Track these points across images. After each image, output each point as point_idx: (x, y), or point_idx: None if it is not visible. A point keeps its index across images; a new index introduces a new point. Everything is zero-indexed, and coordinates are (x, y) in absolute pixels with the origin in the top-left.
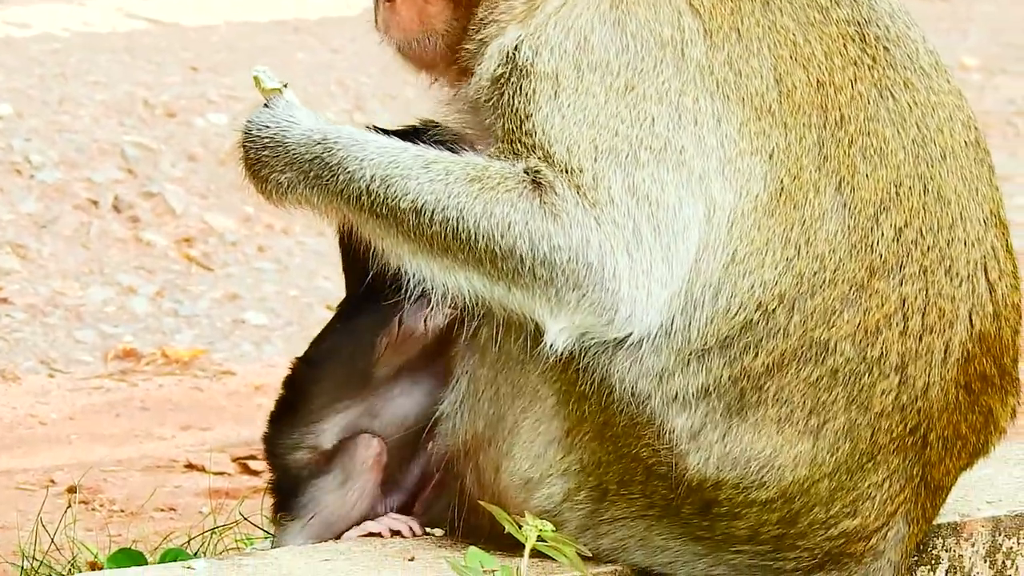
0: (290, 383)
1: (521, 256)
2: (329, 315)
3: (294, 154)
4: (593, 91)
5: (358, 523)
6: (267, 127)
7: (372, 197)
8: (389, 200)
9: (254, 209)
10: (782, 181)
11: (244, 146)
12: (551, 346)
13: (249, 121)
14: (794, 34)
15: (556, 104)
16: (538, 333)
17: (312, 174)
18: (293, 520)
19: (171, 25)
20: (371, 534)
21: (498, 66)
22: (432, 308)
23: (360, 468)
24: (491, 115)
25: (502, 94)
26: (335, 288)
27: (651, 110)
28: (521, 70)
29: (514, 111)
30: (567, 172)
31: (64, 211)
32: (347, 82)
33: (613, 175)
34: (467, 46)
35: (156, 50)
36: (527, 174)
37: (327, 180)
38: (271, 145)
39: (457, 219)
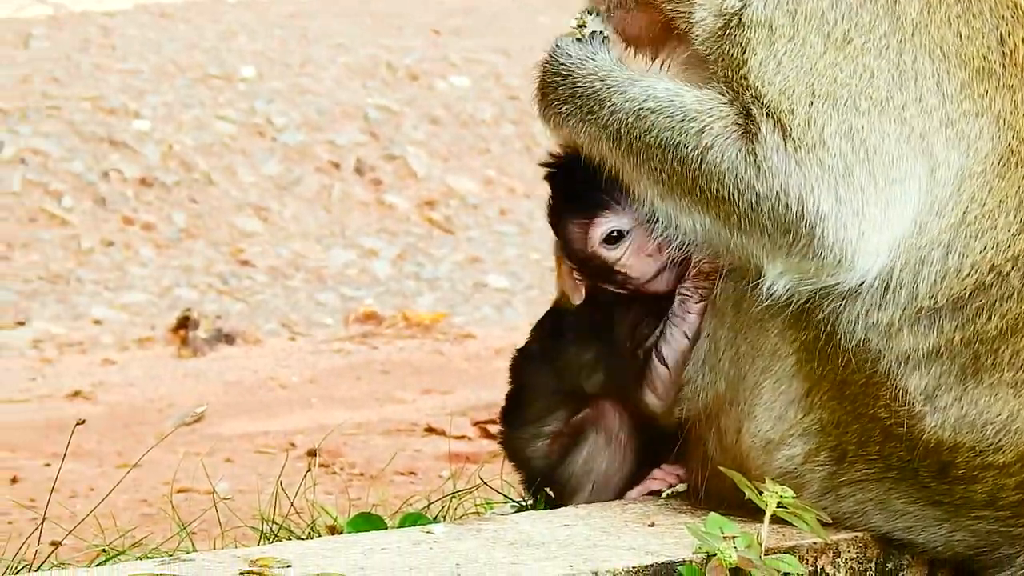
0: (513, 374)
1: (733, 202)
2: None
3: (578, 86)
4: (810, 40)
5: (630, 479)
6: (568, 56)
7: (629, 131)
8: (641, 135)
9: (496, 172)
10: (1010, 144)
11: (543, 67)
12: (770, 289)
13: (557, 46)
14: None
15: (772, 51)
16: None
17: (586, 109)
18: (574, 494)
19: None
20: (652, 493)
21: (712, 18)
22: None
23: (617, 426)
24: (713, 69)
25: (719, 46)
26: None
27: (871, 64)
28: (734, 21)
29: (731, 59)
30: (776, 113)
31: (306, 173)
32: None
33: (828, 119)
34: (677, 8)
35: (397, 14)
36: (739, 115)
37: (597, 114)
38: (564, 73)
39: (684, 158)
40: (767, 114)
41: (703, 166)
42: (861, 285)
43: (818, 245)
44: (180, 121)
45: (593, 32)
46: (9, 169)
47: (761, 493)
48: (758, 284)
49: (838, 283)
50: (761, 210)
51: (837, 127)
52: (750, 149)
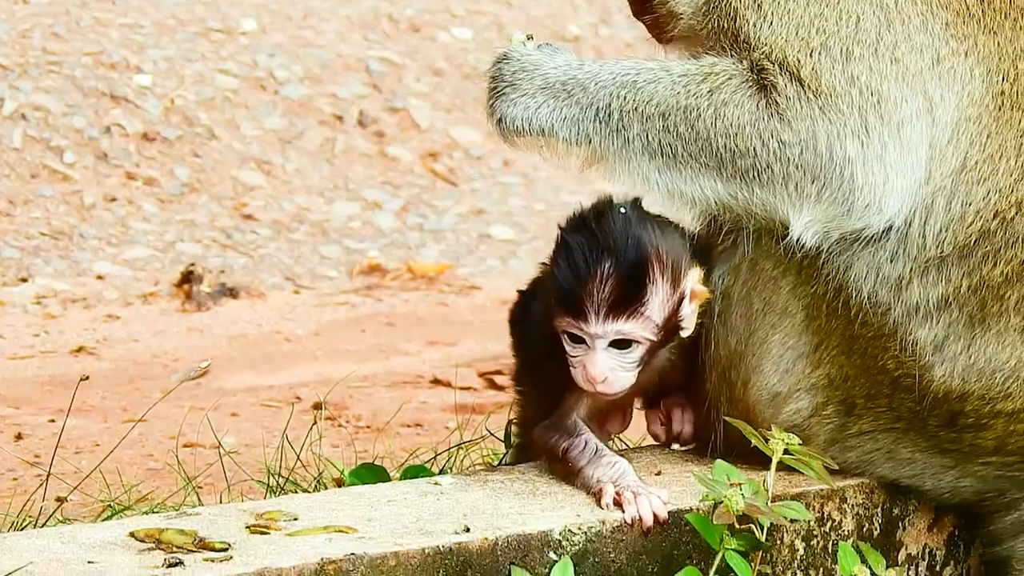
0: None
1: (756, 154)
2: None
3: (549, 76)
4: None
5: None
6: (530, 55)
7: (621, 103)
8: (638, 106)
9: None
10: (1001, 87)
11: (500, 66)
12: (798, 240)
13: (512, 51)
14: None
15: (760, 14)
16: (788, 249)
17: (563, 94)
18: None
19: None
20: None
21: None
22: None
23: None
24: (708, 43)
25: (707, 20)
26: (582, 202)
27: (854, 9)
28: None
29: (724, 31)
30: (787, 67)
31: (309, 126)
32: None
33: (831, 68)
34: None
35: None
36: (752, 72)
37: (576, 96)
38: (529, 69)
39: (695, 120)
40: (780, 68)
41: (719, 123)
42: (887, 232)
43: (848, 189)
44: (181, 75)
45: (543, 44)
46: (10, 125)
47: (767, 441)
48: (776, 242)
49: (866, 227)
50: (787, 159)
51: (842, 75)
52: (771, 99)
